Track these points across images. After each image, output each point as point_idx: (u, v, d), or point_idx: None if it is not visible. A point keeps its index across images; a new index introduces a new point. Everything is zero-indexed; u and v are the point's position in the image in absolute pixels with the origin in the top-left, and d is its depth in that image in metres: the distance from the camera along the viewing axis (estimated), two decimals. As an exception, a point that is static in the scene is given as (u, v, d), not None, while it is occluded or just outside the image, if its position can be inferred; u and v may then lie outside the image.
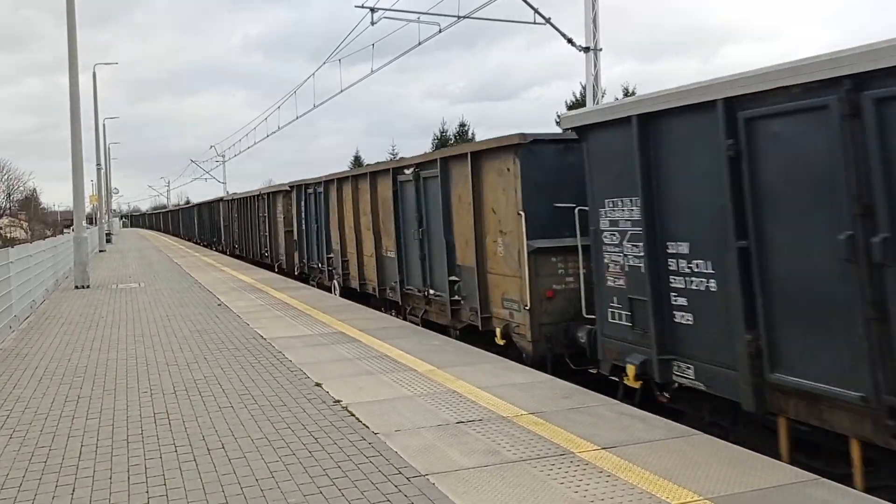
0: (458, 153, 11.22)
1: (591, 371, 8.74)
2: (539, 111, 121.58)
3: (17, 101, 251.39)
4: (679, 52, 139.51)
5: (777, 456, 5.63)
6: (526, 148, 9.27)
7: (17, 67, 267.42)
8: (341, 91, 26.05)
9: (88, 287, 19.19)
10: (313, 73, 29.49)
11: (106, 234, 45.95)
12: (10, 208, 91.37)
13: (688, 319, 6.56)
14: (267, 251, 26.61)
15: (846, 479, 5.12)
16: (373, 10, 19.37)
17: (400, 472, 5.17)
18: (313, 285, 19.29)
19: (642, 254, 7.02)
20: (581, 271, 8.79)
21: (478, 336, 10.46)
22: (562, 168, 9.15)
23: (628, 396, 7.31)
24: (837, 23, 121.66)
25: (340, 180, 17.31)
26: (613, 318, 7.59)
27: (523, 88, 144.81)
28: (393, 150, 61.68)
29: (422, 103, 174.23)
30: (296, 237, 21.86)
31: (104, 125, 52.12)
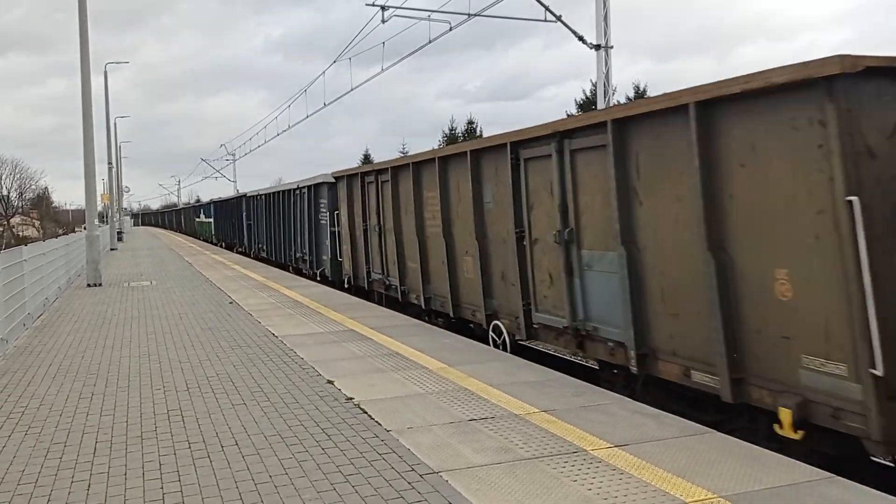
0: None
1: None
2: (553, 110, 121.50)
3: (42, 101, 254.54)
4: (694, 52, 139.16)
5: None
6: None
7: (44, 69, 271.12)
8: (352, 90, 26.19)
9: (100, 285, 19.29)
10: (323, 72, 29.57)
11: (117, 232, 46.18)
12: (21, 207, 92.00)
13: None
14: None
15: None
16: (383, 8, 19.39)
17: (413, 469, 5.18)
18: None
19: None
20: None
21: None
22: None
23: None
24: (852, 21, 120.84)
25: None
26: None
27: (538, 88, 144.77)
28: (403, 148, 61.79)
29: (436, 103, 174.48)
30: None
31: (115, 124, 52.40)
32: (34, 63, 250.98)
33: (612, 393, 7.09)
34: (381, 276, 15.31)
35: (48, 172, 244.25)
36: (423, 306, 12.97)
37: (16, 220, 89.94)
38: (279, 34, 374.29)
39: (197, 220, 59.17)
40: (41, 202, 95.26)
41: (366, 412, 6.61)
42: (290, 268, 24.47)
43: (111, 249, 38.63)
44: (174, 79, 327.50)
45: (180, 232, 72.33)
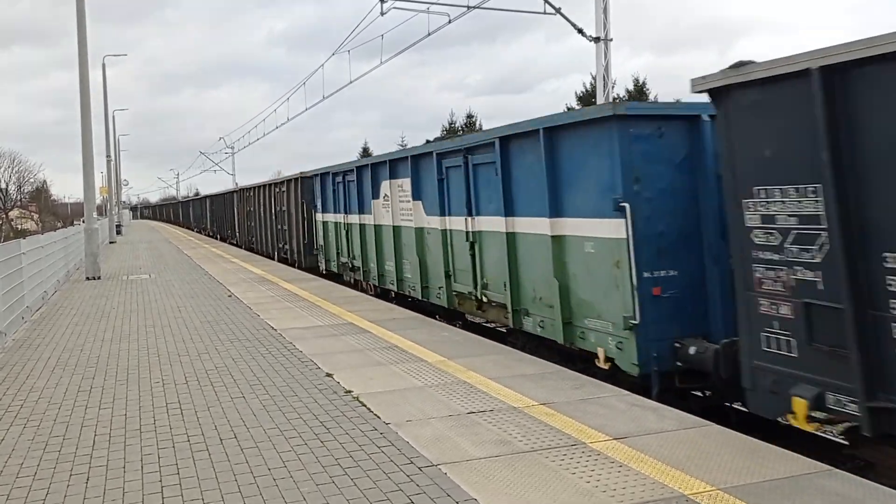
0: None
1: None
2: (553, 103, 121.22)
3: (45, 94, 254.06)
4: (696, 46, 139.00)
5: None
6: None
7: (47, 62, 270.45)
8: (350, 82, 25.99)
9: (99, 278, 19.28)
10: (322, 65, 29.53)
11: (116, 225, 46.12)
12: (20, 200, 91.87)
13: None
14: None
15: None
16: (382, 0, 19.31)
17: (411, 462, 5.18)
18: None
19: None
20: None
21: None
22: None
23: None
24: (854, 15, 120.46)
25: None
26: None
27: (540, 81, 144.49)
28: (402, 141, 61.70)
29: (438, 96, 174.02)
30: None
31: (114, 116, 52.23)
32: (37, 56, 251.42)
33: (611, 386, 7.10)
34: None
35: (50, 165, 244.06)
36: None
37: (14, 213, 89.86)
38: (283, 27, 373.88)
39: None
40: (40, 195, 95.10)
41: (364, 405, 6.61)
42: None
43: (110, 243, 38.59)
44: (176, 72, 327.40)
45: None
